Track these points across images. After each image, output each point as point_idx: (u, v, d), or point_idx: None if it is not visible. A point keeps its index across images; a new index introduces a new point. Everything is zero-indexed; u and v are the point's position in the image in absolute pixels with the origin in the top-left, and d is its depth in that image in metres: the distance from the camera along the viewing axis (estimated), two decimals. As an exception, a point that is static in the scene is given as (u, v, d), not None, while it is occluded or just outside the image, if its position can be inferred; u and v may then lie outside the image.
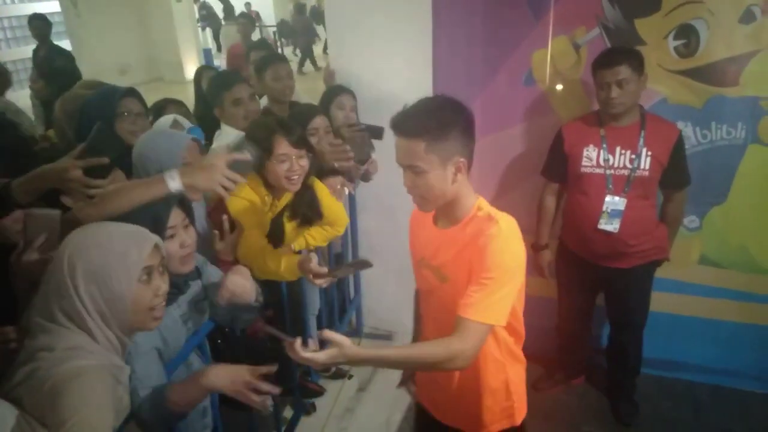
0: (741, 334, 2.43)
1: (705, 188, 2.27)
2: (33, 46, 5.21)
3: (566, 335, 2.49)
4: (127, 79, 3.75)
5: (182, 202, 1.34)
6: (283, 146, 1.73)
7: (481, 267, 1.22)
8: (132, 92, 1.93)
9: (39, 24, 4.96)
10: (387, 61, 2.38)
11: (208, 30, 12.73)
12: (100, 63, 4.51)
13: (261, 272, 1.75)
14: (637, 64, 1.95)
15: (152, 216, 1.24)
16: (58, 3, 8.93)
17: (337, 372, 2.70)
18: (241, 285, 1.47)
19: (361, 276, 2.90)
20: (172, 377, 1.35)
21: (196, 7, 11.51)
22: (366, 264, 1.53)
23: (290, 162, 1.74)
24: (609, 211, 2.08)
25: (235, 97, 2.17)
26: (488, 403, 1.44)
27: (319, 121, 2.13)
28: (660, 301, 2.47)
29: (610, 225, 2.08)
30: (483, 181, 2.52)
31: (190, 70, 9.08)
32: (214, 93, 2.26)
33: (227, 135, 2.15)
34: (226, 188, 1.33)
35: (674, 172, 2.08)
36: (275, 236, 1.89)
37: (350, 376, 2.74)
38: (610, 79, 1.95)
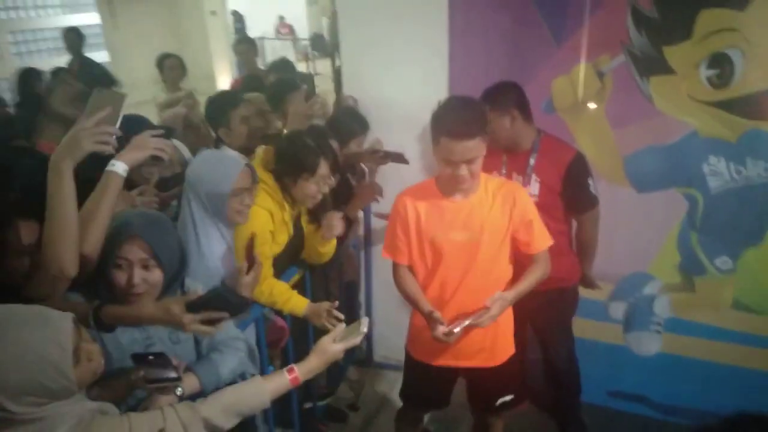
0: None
1: (739, 228, 2.11)
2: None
3: None
4: (159, 90, 3.79)
5: (154, 241, 1.28)
6: (323, 169, 1.79)
7: (524, 211, 1.68)
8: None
9: (72, 36, 5.03)
10: (402, 85, 2.31)
11: (243, 42, 12.93)
12: (135, 74, 4.60)
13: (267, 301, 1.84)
14: (501, 105, 1.95)
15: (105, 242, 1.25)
16: (97, 15, 9.16)
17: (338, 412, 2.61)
18: None
19: (373, 304, 2.82)
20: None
21: (230, 21, 11.70)
22: None
23: (324, 182, 1.81)
24: None
25: (242, 115, 2.22)
26: (508, 329, 1.84)
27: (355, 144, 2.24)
28: (689, 346, 2.31)
29: None
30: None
31: (223, 82, 9.20)
32: (218, 113, 2.27)
33: None
34: (161, 150, 1.39)
35: (572, 196, 2.03)
36: (297, 240, 1.98)
37: (357, 408, 2.65)
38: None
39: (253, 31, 13.64)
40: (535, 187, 2.03)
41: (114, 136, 1.25)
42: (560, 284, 2.14)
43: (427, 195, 1.70)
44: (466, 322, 1.61)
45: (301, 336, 2.12)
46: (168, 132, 1.67)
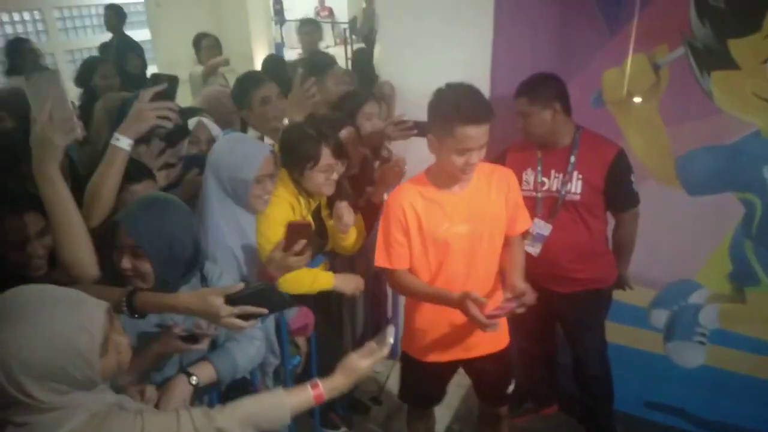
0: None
1: (801, 237, 1.96)
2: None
3: (528, 360, 2.36)
4: (199, 69, 3.78)
5: (138, 230, 1.26)
6: (327, 157, 1.74)
7: (516, 195, 1.70)
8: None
9: (111, 14, 5.00)
10: (442, 72, 2.19)
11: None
12: (176, 53, 4.60)
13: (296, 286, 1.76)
14: (542, 98, 1.88)
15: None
16: (140, -8, 9.23)
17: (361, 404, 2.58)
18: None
19: (399, 296, 2.75)
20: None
21: (271, 2, 11.67)
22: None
23: (332, 170, 1.76)
24: (534, 234, 2.01)
25: (263, 96, 2.14)
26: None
27: (369, 108, 2.13)
28: (734, 360, 2.18)
29: (531, 248, 2.01)
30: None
31: (261, 62, 9.22)
32: (240, 94, 2.22)
33: None
34: (165, 117, 1.40)
35: (615, 193, 1.96)
36: (318, 234, 1.90)
37: (380, 402, 2.60)
38: (516, 108, 1.93)
39: (293, 13, 13.62)
40: (577, 185, 1.94)
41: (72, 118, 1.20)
42: (597, 285, 2.07)
43: (422, 191, 1.62)
44: (505, 311, 1.55)
45: (325, 324, 2.08)
46: (170, 87, 1.68)
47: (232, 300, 1.18)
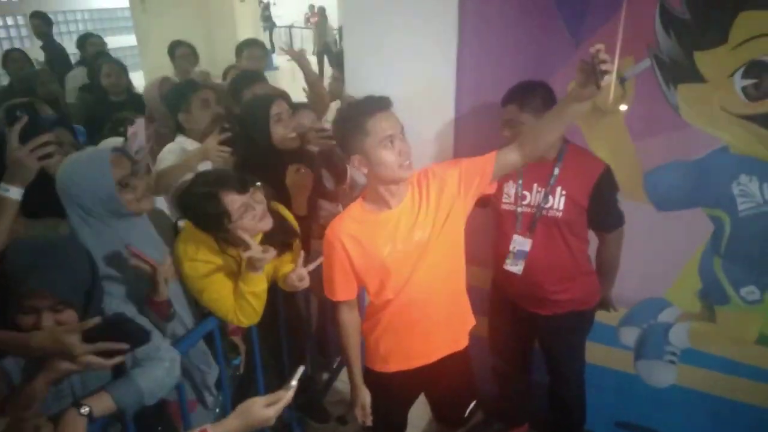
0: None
1: (769, 256, 1.90)
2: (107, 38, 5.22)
3: (502, 379, 2.31)
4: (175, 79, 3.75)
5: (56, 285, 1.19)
6: (236, 201, 1.59)
7: (450, 170, 1.61)
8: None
9: (38, 22, 5.14)
10: (408, 86, 2.14)
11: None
12: (162, 59, 4.59)
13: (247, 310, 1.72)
14: (533, 105, 1.78)
15: None
16: (127, -2, 9.20)
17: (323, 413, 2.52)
18: None
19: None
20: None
21: (260, 9, 11.66)
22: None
23: (250, 209, 1.62)
24: (515, 251, 1.94)
25: (203, 98, 2.22)
26: (467, 305, 1.79)
27: (277, 107, 2.05)
28: (705, 380, 2.12)
29: (514, 266, 1.95)
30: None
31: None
32: (177, 97, 2.28)
33: (171, 153, 2.18)
34: (46, 155, 1.40)
35: (599, 213, 1.89)
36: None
37: (346, 422, 2.53)
38: (503, 116, 1.85)
39: (283, 20, 13.59)
40: (560, 201, 1.86)
41: None
42: (581, 306, 2.02)
43: (360, 219, 1.59)
44: None
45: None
46: (31, 114, 1.70)
47: (88, 337, 1.10)
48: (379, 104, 1.48)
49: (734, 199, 1.88)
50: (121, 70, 3.43)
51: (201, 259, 1.66)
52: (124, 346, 1.15)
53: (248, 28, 10.50)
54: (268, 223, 1.69)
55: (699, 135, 1.85)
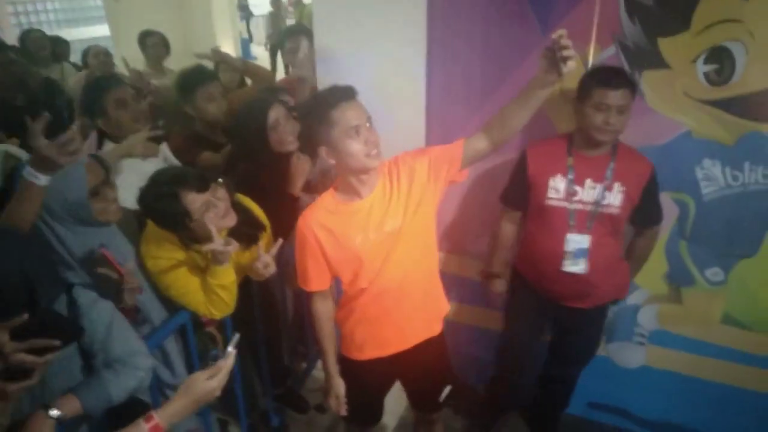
0: (764, 408, 2.10)
1: (733, 238, 1.95)
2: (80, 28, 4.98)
3: (504, 367, 2.32)
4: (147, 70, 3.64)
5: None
6: (196, 200, 1.57)
7: (419, 157, 1.61)
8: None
9: None
10: (378, 75, 2.15)
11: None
12: (136, 50, 4.45)
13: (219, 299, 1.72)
14: (634, 90, 1.75)
15: None
16: (98, -13, 8.98)
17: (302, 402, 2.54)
18: None
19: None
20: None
21: (236, -2, 11.48)
22: None
23: (212, 207, 1.60)
24: (573, 250, 1.86)
25: (117, 98, 1.98)
26: (440, 291, 1.78)
27: (274, 113, 2.01)
28: (674, 361, 2.18)
29: (575, 266, 1.88)
30: (482, 203, 2.26)
31: (225, 59, 9.04)
32: (90, 101, 2.03)
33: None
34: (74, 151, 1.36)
35: (647, 209, 1.89)
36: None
37: (324, 410, 2.54)
38: (612, 102, 1.70)
39: (260, 8, 13.40)
40: (617, 197, 1.82)
41: None
42: (616, 296, 2.04)
43: (332, 209, 1.59)
44: None
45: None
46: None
47: (17, 334, 1.07)
48: (343, 94, 1.47)
49: (698, 183, 1.92)
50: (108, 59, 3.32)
51: (164, 256, 1.65)
52: (56, 342, 1.12)
53: (225, 19, 10.34)
54: (231, 220, 1.69)
55: (663, 121, 1.89)
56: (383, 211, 1.58)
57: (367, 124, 1.49)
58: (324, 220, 1.58)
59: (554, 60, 1.34)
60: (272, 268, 1.74)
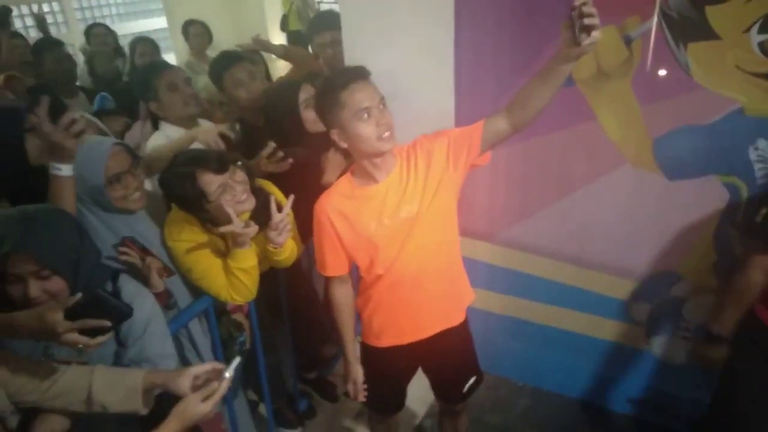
0: None
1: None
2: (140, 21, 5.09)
3: None
4: (192, 59, 3.72)
5: (38, 251, 1.18)
6: (213, 181, 1.57)
7: (439, 141, 1.53)
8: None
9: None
10: (406, 60, 2.08)
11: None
12: None
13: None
14: None
15: None
16: (158, -19, 9.25)
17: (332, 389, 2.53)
18: None
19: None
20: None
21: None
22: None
23: (230, 189, 1.60)
24: None
25: (168, 82, 2.03)
26: (463, 279, 1.73)
27: (305, 92, 1.99)
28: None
29: None
30: (512, 196, 2.17)
31: (276, 49, 9.15)
32: (142, 86, 2.09)
33: (161, 136, 2.05)
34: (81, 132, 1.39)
35: None
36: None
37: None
38: None
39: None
40: None
41: None
42: None
43: (347, 194, 1.55)
44: None
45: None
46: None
47: (70, 314, 1.07)
48: (354, 75, 1.41)
49: (751, 165, 1.76)
50: (155, 50, 3.41)
51: (185, 238, 1.66)
52: (105, 322, 1.12)
53: (276, 10, 10.47)
54: (250, 203, 1.67)
55: (711, 97, 1.73)
56: (399, 196, 1.52)
57: (381, 106, 1.43)
58: (339, 204, 1.54)
59: (574, 29, 1.23)
60: (287, 231, 1.69)
